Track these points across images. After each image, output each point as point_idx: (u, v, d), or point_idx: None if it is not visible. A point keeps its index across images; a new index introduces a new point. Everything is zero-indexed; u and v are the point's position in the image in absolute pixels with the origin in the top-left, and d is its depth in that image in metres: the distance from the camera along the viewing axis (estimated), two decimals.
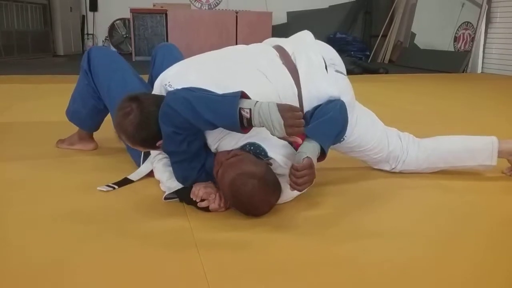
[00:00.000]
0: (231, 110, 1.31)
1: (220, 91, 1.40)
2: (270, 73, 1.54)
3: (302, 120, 1.32)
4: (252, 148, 1.46)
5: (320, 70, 1.58)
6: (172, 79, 1.53)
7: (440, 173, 1.90)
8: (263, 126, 1.32)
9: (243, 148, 1.47)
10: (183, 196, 1.53)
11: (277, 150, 1.47)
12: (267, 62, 1.58)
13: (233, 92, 1.35)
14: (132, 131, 1.46)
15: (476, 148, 1.83)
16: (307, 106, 1.56)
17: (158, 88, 1.58)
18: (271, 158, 1.46)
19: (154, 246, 1.27)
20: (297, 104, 1.53)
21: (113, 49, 8.61)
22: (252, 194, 1.36)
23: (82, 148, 2.16)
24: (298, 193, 1.49)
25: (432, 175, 1.89)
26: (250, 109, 1.31)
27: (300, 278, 1.12)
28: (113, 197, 1.62)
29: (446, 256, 1.25)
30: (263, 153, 1.46)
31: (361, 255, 1.25)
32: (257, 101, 1.33)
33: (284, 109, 1.30)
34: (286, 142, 1.47)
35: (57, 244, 1.27)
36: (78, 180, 1.78)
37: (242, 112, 1.31)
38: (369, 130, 1.78)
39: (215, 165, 1.47)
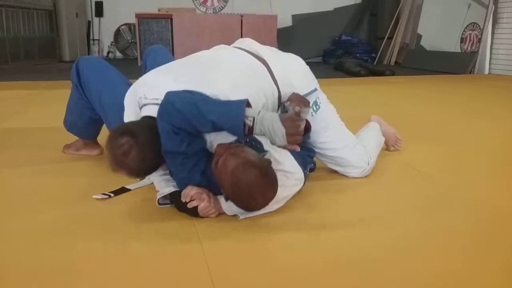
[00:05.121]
0: (237, 113, 1.33)
1: (206, 84, 1.45)
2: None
3: (302, 129, 1.35)
4: (248, 140, 1.46)
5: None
6: (146, 90, 1.54)
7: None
8: (263, 135, 1.34)
9: (238, 141, 1.46)
10: (175, 200, 1.51)
11: (272, 145, 1.45)
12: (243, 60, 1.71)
13: (238, 100, 1.37)
14: (136, 167, 1.43)
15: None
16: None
17: (132, 102, 1.59)
18: (267, 152, 1.48)
19: (158, 244, 1.27)
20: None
21: (119, 54, 8.65)
22: (252, 183, 1.33)
23: (88, 153, 2.17)
24: (291, 194, 1.53)
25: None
26: (254, 118, 1.32)
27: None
28: (116, 202, 1.62)
29: (443, 252, 1.25)
30: (259, 145, 1.47)
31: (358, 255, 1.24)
32: (259, 110, 1.35)
33: (286, 119, 1.32)
34: None
35: (60, 245, 1.27)
36: (82, 185, 1.78)
37: (245, 120, 1.32)
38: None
39: (214, 157, 1.42)
